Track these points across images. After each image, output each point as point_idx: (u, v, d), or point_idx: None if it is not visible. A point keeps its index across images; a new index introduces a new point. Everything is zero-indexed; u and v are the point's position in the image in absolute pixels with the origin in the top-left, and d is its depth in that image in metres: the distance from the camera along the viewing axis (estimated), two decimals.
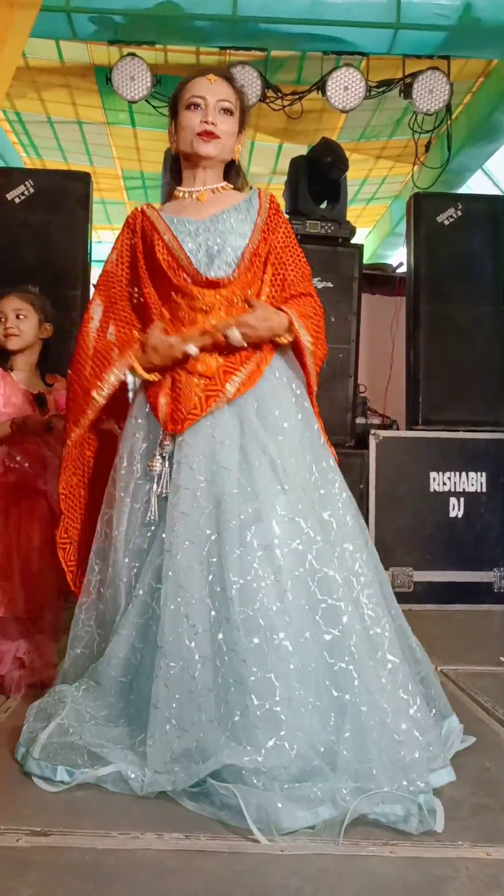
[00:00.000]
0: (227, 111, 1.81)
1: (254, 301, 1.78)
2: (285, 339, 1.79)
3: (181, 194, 1.89)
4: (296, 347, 1.83)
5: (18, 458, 2.28)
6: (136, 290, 1.87)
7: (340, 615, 1.57)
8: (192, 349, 1.74)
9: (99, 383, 1.81)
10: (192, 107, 1.80)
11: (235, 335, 1.72)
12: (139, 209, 1.89)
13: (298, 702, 1.51)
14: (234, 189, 1.91)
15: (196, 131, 1.79)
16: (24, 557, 2.20)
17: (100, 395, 1.82)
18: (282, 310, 1.79)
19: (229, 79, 1.85)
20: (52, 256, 3.52)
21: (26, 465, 2.28)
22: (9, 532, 2.21)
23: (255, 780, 1.44)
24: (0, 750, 1.73)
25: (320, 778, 1.46)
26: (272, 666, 1.51)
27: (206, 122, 1.78)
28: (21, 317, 2.37)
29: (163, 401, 1.76)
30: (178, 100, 1.85)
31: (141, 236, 1.85)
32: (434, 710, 1.77)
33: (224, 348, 1.75)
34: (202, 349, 1.75)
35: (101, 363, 1.83)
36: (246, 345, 1.74)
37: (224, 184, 1.90)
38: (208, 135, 1.78)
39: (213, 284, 1.78)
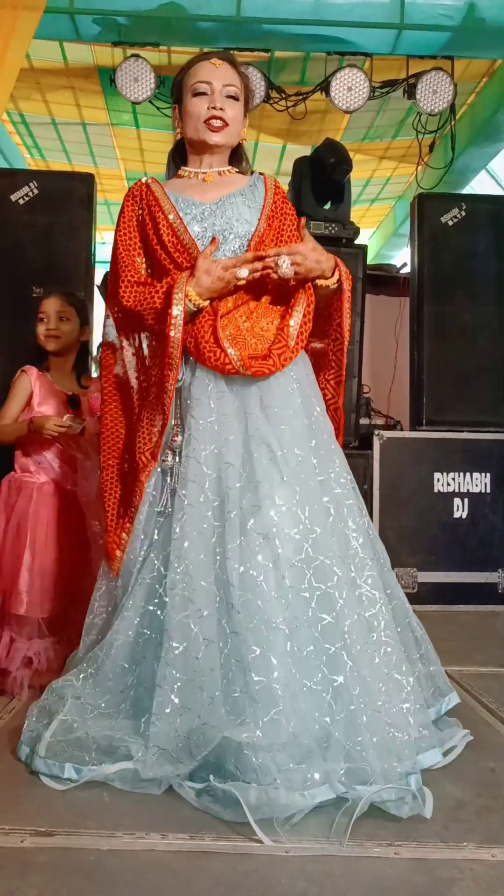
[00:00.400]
0: (233, 97, 1.80)
1: (305, 232, 1.76)
2: (331, 283, 1.79)
3: (186, 174, 1.87)
4: (334, 298, 1.84)
5: (49, 459, 2.29)
6: (145, 261, 1.84)
7: (335, 601, 1.61)
8: (244, 271, 1.70)
9: (171, 310, 1.69)
10: (199, 93, 1.79)
11: (287, 264, 1.70)
12: (143, 182, 1.87)
13: (294, 682, 1.55)
14: (238, 172, 1.90)
15: (203, 118, 1.78)
16: (52, 559, 2.21)
17: (176, 329, 1.70)
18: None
19: (233, 63, 1.84)
20: (56, 257, 3.52)
21: (56, 465, 2.29)
22: (37, 533, 2.21)
23: (253, 759, 1.46)
24: (3, 750, 1.73)
25: (315, 759, 1.49)
26: (270, 646, 1.54)
27: (213, 108, 1.77)
28: (63, 319, 2.36)
29: (227, 344, 1.69)
30: (183, 85, 1.83)
31: (147, 209, 1.82)
32: (433, 688, 1.82)
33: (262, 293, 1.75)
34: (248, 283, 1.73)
35: (161, 296, 1.73)
36: (293, 275, 1.71)
37: (229, 167, 1.88)
38: (217, 120, 1.77)
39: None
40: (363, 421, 3.94)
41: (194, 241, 1.76)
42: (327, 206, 3.83)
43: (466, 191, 5.60)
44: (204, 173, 1.85)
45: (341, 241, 3.68)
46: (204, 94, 1.78)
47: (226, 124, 1.79)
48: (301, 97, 4.30)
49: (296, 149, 5.13)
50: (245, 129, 1.88)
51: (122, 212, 1.87)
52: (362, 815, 1.44)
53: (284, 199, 1.87)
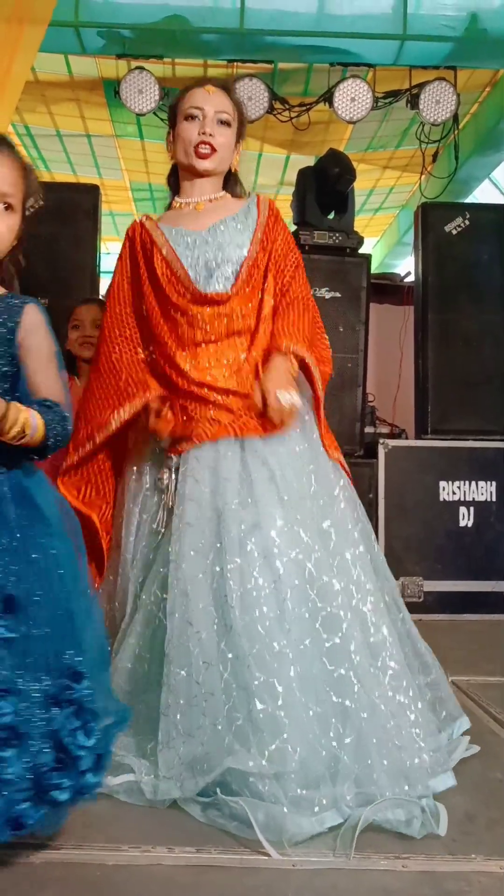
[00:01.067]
0: (225, 123, 1.80)
1: (256, 389, 1.72)
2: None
3: (178, 204, 1.87)
4: (304, 369, 1.83)
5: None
6: (141, 304, 1.85)
7: (340, 622, 1.59)
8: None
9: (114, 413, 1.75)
10: (190, 118, 1.79)
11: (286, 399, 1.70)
12: (137, 221, 1.87)
13: (300, 707, 1.52)
14: (233, 197, 1.89)
15: (193, 143, 1.78)
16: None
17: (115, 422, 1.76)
18: (281, 348, 1.75)
19: (227, 90, 1.84)
20: (62, 268, 3.53)
21: None
22: None
23: (260, 787, 1.44)
24: None
25: (323, 784, 1.46)
26: (274, 672, 1.52)
27: (203, 134, 1.77)
28: (98, 326, 2.34)
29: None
30: (177, 110, 1.83)
31: (140, 249, 1.83)
32: (444, 713, 1.79)
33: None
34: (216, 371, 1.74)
35: (117, 395, 1.77)
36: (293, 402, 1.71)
37: (222, 193, 1.87)
38: (205, 146, 1.77)
39: (213, 301, 1.75)
40: (368, 429, 3.94)
41: (186, 272, 1.76)
42: (331, 216, 3.84)
43: (470, 200, 5.62)
44: (195, 202, 1.84)
45: (345, 251, 3.69)
46: (195, 118, 1.78)
47: (214, 150, 1.78)
48: (304, 108, 4.32)
49: (299, 159, 5.14)
50: (238, 156, 1.88)
51: (120, 256, 1.88)
52: (370, 827, 1.43)
53: (278, 219, 1.86)
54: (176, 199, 1.89)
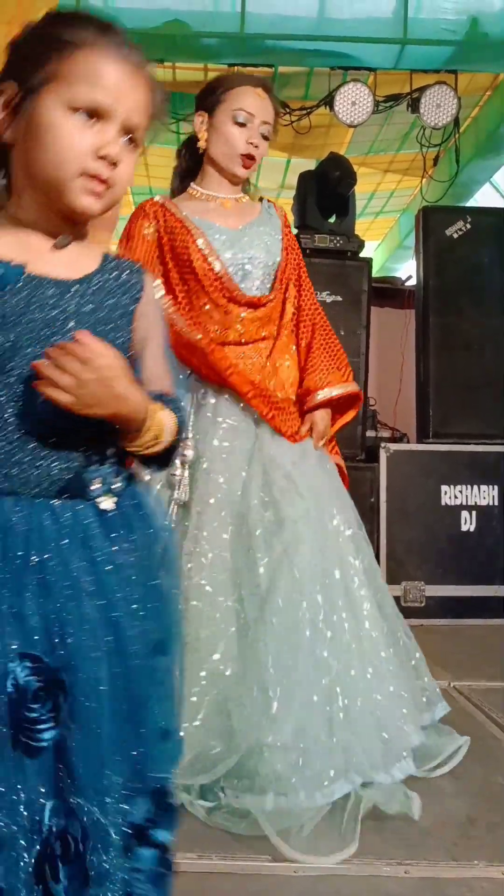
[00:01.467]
0: (266, 136, 1.78)
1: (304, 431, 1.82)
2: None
3: (199, 195, 1.82)
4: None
5: None
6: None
7: (340, 612, 1.66)
8: None
9: None
10: (239, 123, 1.73)
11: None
12: (156, 201, 1.80)
13: (301, 686, 1.57)
14: (245, 195, 1.90)
15: (240, 152, 1.75)
16: None
17: None
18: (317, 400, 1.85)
19: (274, 97, 1.79)
20: None
21: None
22: None
23: (277, 766, 1.47)
24: None
25: (321, 757, 1.51)
26: (290, 673, 1.57)
27: (251, 144, 1.74)
28: None
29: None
30: (220, 101, 1.75)
31: (166, 232, 1.76)
32: (424, 697, 1.84)
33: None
34: None
35: None
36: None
37: (241, 193, 1.88)
38: (250, 159, 1.76)
39: (252, 304, 1.77)
40: (369, 433, 3.94)
41: (226, 270, 1.74)
42: (332, 220, 3.84)
43: (471, 203, 5.62)
44: (223, 198, 1.81)
45: (346, 254, 3.70)
46: (244, 125, 1.73)
47: (254, 160, 1.78)
48: (305, 112, 4.33)
49: (300, 163, 5.16)
50: None
51: (132, 231, 1.80)
52: (372, 833, 1.44)
53: (288, 226, 1.91)
54: (196, 187, 1.83)
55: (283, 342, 1.83)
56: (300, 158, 5.30)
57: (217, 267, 1.74)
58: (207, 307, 1.76)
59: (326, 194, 3.78)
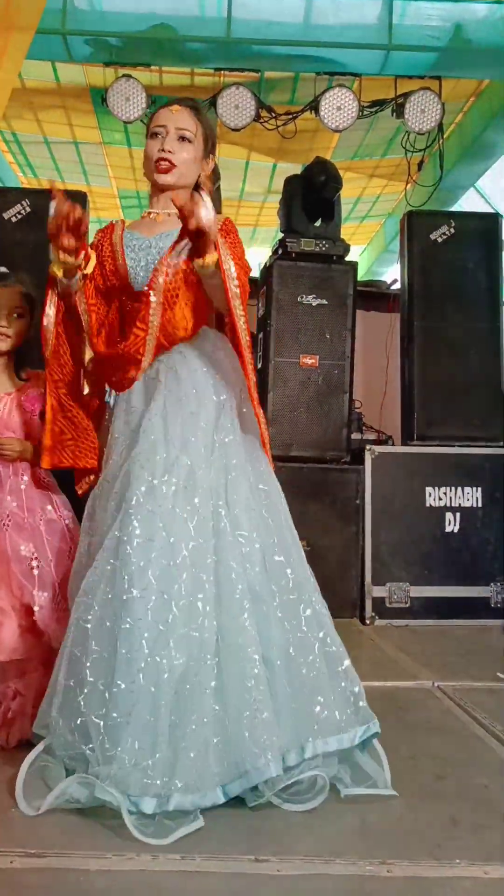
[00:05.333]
0: (186, 139, 1.84)
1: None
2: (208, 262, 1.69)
3: (146, 214, 1.94)
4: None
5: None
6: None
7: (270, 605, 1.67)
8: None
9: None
10: (154, 136, 1.85)
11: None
12: (112, 222, 1.96)
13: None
14: None
15: (153, 159, 1.84)
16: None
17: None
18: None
19: (195, 108, 1.89)
20: (49, 276, 3.52)
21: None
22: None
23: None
24: None
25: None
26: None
27: (162, 151, 1.82)
28: (18, 315, 2.10)
29: None
30: (147, 130, 1.90)
31: (101, 241, 1.90)
32: (353, 708, 1.72)
33: None
34: None
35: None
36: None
37: None
38: (164, 162, 1.82)
39: (143, 296, 1.79)
40: (355, 436, 3.95)
41: (127, 268, 1.83)
42: (318, 224, 3.86)
43: (455, 208, 5.67)
44: (157, 213, 1.89)
45: (332, 258, 3.71)
46: (158, 135, 1.84)
47: (173, 165, 1.82)
48: (291, 116, 4.35)
49: (286, 167, 5.18)
50: (207, 171, 1.90)
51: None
52: (355, 833, 1.45)
53: (228, 235, 1.82)
54: (146, 210, 1.96)
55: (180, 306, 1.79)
56: (286, 163, 5.32)
57: (119, 263, 1.84)
58: (122, 306, 1.87)
59: (312, 198, 3.80)
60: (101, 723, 1.51)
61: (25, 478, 2.03)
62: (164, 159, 1.82)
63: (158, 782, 1.47)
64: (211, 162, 1.92)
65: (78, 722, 1.54)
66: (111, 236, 1.90)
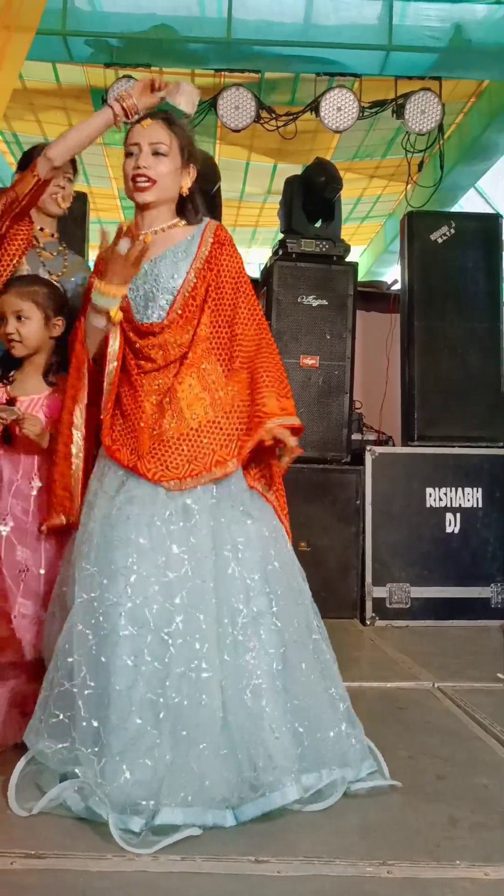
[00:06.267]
0: (160, 153, 1.80)
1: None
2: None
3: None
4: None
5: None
6: None
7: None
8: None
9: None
10: (129, 155, 1.82)
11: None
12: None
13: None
14: (187, 224, 1.87)
15: (130, 177, 1.81)
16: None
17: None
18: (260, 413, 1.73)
19: (167, 120, 1.84)
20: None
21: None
22: None
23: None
24: None
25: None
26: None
27: (137, 168, 1.79)
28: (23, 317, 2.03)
29: None
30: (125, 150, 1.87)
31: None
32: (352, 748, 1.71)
33: None
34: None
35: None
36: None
37: (173, 221, 1.86)
38: (142, 178, 1.79)
39: (148, 332, 1.78)
40: (355, 436, 3.95)
41: (129, 305, 1.79)
42: (318, 225, 3.86)
43: (455, 209, 5.67)
44: (144, 234, 1.83)
45: (332, 259, 3.72)
46: (133, 154, 1.81)
47: (152, 181, 1.79)
48: (291, 117, 4.35)
49: (286, 168, 5.18)
50: (190, 180, 1.86)
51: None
52: (355, 834, 1.45)
53: (223, 245, 1.84)
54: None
55: (190, 362, 1.78)
56: (286, 164, 5.32)
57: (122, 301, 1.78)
58: (126, 346, 1.81)
59: (312, 199, 3.80)
60: (95, 760, 1.50)
61: (36, 483, 1.97)
62: (142, 175, 1.78)
63: (151, 804, 1.45)
64: (192, 171, 1.86)
65: (72, 755, 1.53)
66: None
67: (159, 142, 1.80)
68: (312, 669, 1.68)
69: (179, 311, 1.79)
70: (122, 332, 1.80)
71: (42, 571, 1.92)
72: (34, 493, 1.97)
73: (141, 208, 1.85)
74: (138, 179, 1.79)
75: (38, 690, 1.72)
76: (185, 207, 1.88)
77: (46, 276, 2.13)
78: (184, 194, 1.86)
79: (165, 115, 1.87)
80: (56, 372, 2.04)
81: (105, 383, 1.80)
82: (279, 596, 1.68)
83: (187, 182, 1.86)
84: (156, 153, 1.80)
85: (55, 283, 2.08)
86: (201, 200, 1.92)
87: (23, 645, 1.85)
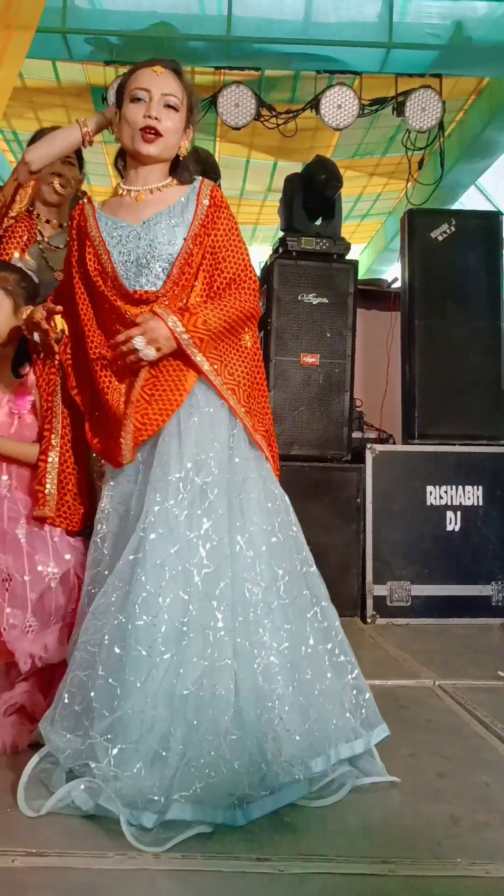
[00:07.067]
0: (172, 107, 1.70)
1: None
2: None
3: (121, 192, 1.79)
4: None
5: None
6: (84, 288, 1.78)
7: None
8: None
9: None
10: (136, 100, 1.69)
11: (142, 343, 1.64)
12: (81, 203, 1.81)
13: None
14: (179, 184, 1.78)
15: (139, 126, 1.69)
16: None
17: None
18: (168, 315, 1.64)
19: (178, 72, 1.73)
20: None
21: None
22: None
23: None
24: None
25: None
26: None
27: (148, 117, 1.67)
28: None
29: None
30: (124, 90, 1.73)
31: (78, 233, 1.77)
32: (361, 718, 1.75)
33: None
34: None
35: None
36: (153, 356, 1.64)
37: (167, 181, 1.77)
38: (151, 131, 1.69)
39: (141, 300, 1.68)
40: (355, 434, 3.95)
41: (115, 270, 1.69)
42: (318, 223, 3.86)
43: (456, 206, 5.66)
44: (137, 191, 1.75)
45: (332, 257, 3.71)
46: (141, 100, 1.69)
47: (160, 135, 1.69)
48: (291, 115, 4.35)
49: (287, 165, 5.18)
50: (188, 142, 1.78)
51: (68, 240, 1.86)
52: (356, 832, 1.45)
53: (219, 208, 1.75)
54: (120, 185, 1.81)
55: None
56: (286, 161, 5.32)
57: (107, 267, 1.70)
58: (107, 313, 1.73)
59: (313, 197, 3.79)
60: (109, 746, 1.48)
61: (4, 478, 1.87)
62: (151, 127, 1.68)
63: (163, 800, 1.45)
64: (191, 132, 1.79)
65: (85, 744, 1.52)
66: (85, 227, 1.74)
67: (172, 93, 1.70)
68: (318, 640, 1.69)
69: (177, 279, 1.70)
70: (104, 301, 1.72)
71: (27, 578, 1.82)
72: (4, 490, 1.87)
73: (140, 161, 1.74)
74: (148, 131, 1.69)
75: (46, 699, 1.74)
76: (176, 167, 1.80)
77: (49, 273, 2.11)
78: (181, 155, 1.78)
79: (175, 64, 1.75)
80: (23, 364, 1.97)
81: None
82: (286, 569, 1.68)
83: (186, 144, 1.77)
84: (167, 105, 1.70)
85: (30, 272, 1.99)
86: (193, 161, 1.84)
87: (17, 656, 1.77)
